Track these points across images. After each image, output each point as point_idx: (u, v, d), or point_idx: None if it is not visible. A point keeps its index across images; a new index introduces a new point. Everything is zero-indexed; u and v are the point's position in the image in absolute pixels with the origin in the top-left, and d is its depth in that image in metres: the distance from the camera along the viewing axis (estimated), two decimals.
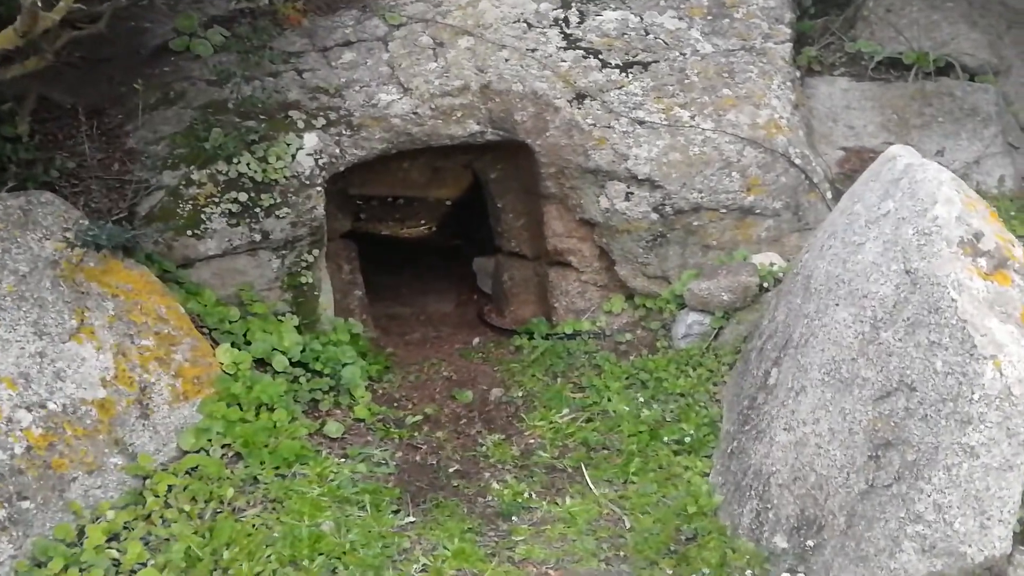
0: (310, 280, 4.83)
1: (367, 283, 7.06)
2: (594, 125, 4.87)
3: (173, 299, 4.02)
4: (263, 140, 4.50)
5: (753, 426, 3.38)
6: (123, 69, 5.11)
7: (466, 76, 4.92)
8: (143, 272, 3.95)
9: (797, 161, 4.96)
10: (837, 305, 3.00)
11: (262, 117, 4.64)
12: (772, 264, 4.74)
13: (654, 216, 4.85)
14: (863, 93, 5.98)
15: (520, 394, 4.67)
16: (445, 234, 9.86)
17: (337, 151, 4.71)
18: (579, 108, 4.91)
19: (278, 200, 4.48)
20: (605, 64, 5.13)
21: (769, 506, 3.02)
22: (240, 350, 4.33)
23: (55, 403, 3.19)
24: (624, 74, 5.11)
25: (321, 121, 4.70)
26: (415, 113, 4.84)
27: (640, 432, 4.03)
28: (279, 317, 4.72)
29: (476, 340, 5.62)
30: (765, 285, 4.61)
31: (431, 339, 5.80)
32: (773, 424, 3.17)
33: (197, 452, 3.68)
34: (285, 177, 4.48)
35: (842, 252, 3.14)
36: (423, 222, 10.63)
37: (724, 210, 4.87)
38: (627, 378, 4.60)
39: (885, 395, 2.65)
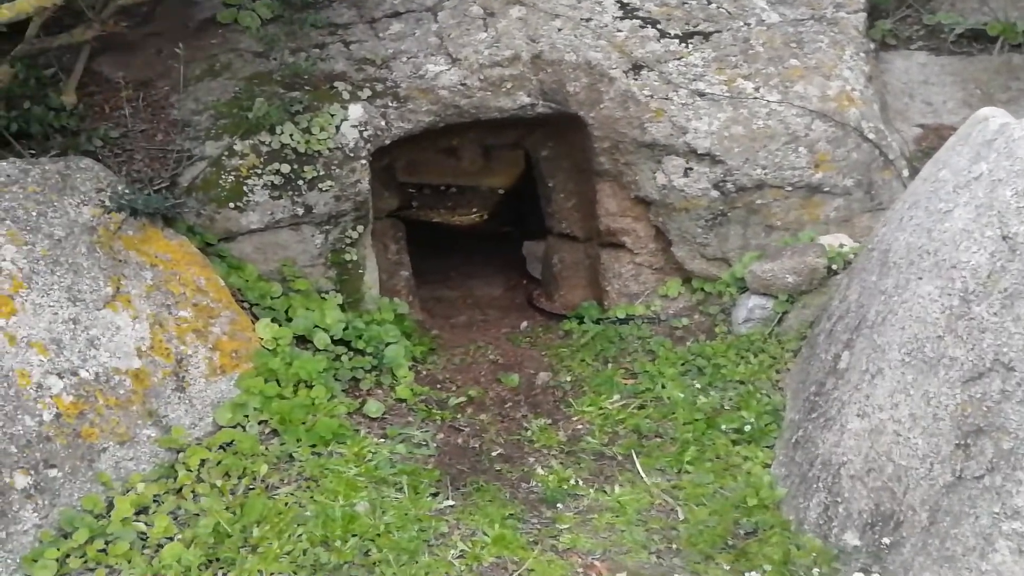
0: (354, 257, 4.69)
1: (414, 266, 6.94)
2: (651, 96, 4.61)
3: (213, 271, 3.91)
4: (307, 111, 4.37)
5: (821, 413, 3.10)
6: (171, 41, 5.04)
7: (517, 46, 4.71)
8: (183, 242, 3.85)
9: (871, 136, 4.62)
10: (920, 279, 2.71)
11: (307, 88, 4.52)
12: (842, 245, 4.42)
13: (714, 193, 4.58)
14: (942, 68, 5.57)
15: (568, 379, 4.45)
16: (496, 222, 9.70)
17: (383, 123, 4.56)
18: (635, 79, 4.66)
19: (321, 172, 4.35)
20: (664, 34, 4.87)
21: (839, 500, 2.75)
22: (281, 326, 4.22)
23: (87, 371, 3.09)
24: (684, 44, 4.84)
25: (367, 92, 4.55)
26: (463, 84, 4.65)
27: (696, 420, 3.77)
28: (322, 294, 4.60)
29: (524, 324, 5.42)
30: (833, 267, 4.29)
31: (478, 322, 5.62)
32: (844, 411, 2.89)
33: (233, 427, 3.57)
34: (329, 149, 4.34)
35: (926, 221, 2.84)
36: (475, 210, 10.49)
37: (790, 188, 4.57)
38: (683, 364, 4.34)
39: (977, 376, 2.35)
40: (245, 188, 4.25)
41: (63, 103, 4.34)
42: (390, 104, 4.59)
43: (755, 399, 3.84)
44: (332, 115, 4.37)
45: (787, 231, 4.66)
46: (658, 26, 4.91)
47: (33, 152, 3.91)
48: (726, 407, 3.87)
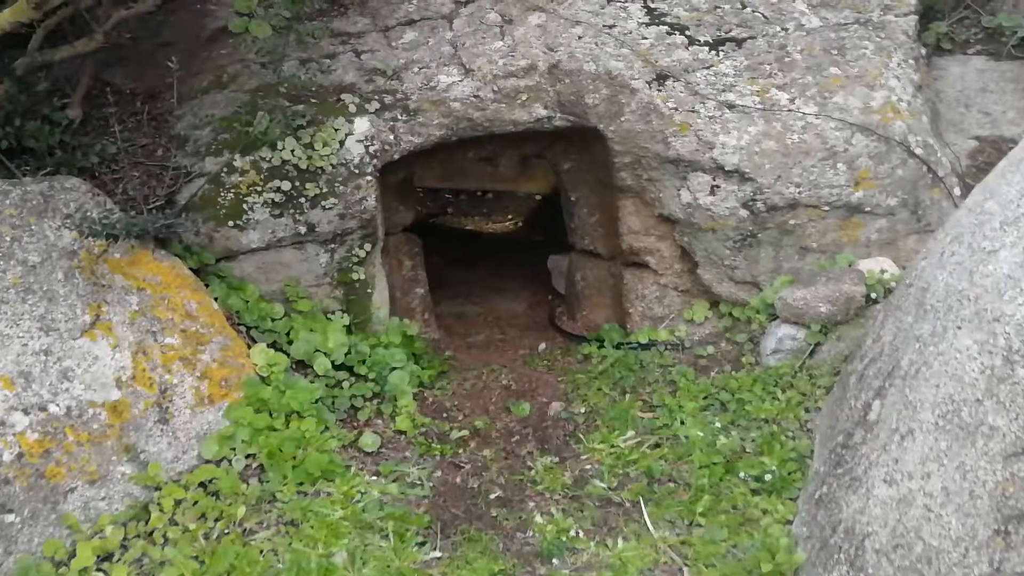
0: (362, 277, 4.50)
1: (438, 278, 6.73)
2: (676, 109, 4.30)
3: (205, 294, 3.75)
4: (311, 125, 4.18)
5: (847, 470, 2.77)
6: (182, 52, 4.92)
7: (533, 55, 4.45)
8: (174, 264, 3.70)
9: (918, 151, 4.23)
10: (959, 328, 2.37)
11: (313, 101, 4.34)
12: (883, 271, 4.05)
13: (743, 213, 4.24)
14: (1003, 74, 5.13)
15: (582, 410, 4.18)
16: (530, 230, 9.45)
17: (391, 137, 4.34)
18: (659, 90, 4.35)
19: (324, 190, 4.16)
20: (692, 41, 4.55)
21: (862, 575, 2.43)
22: (278, 350, 4.05)
23: (58, 405, 2.95)
24: (714, 52, 4.51)
25: (375, 105, 4.35)
26: (476, 96, 4.41)
27: (714, 464, 3.47)
28: (328, 315, 4.42)
29: (543, 346, 5.16)
30: (873, 296, 3.93)
31: (496, 342, 5.38)
32: (872, 472, 2.57)
33: (218, 462, 3.40)
34: (332, 165, 4.15)
35: (968, 261, 2.49)
36: (510, 217, 10.27)
37: (826, 207, 4.21)
38: (705, 398, 4.03)
39: (1020, 452, 2.02)
40: (245, 206, 4.08)
41: (67, 117, 4.24)
42: (399, 117, 4.37)
43: (779, 442, 3.51)
44: (336, 129, 4.18)
45: (823, 254, 4.30)
46: (687, 32, 4.60)
47: (28, 169, 3.80)
48: (748, 449, 3.56)
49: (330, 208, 4.18)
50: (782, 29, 4.62)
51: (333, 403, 3.93)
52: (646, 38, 4.54)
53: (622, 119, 4.37)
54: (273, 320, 4.19)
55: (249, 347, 3.90)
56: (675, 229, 4.52)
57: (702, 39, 4.58)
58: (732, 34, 4.62)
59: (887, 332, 2.97)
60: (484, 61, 4.46)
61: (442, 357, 4.87)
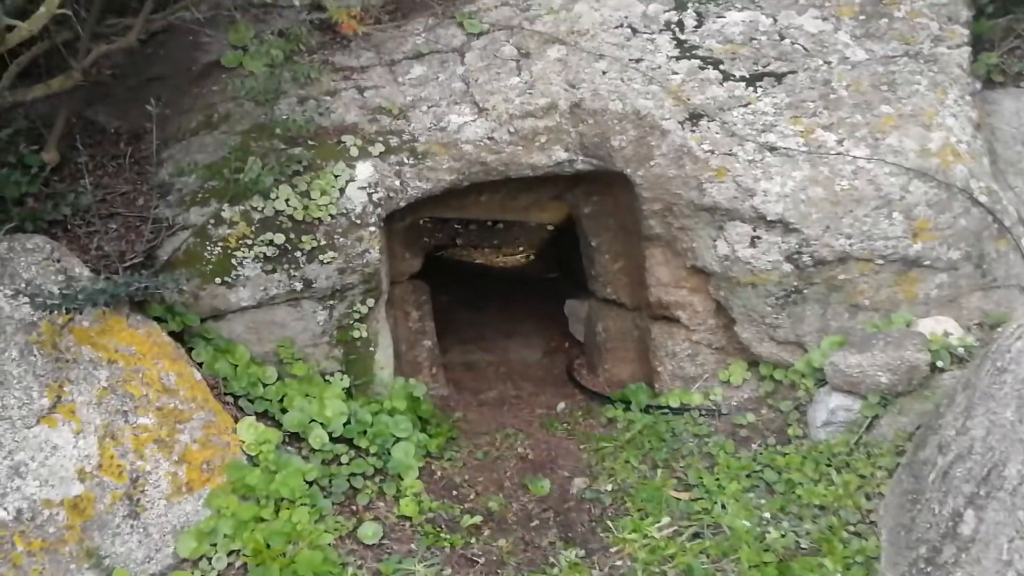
0: (364, 335, 4.08)
1: (447, 320, 6.31)
2: (711, 152, 3.89)
3: (186, 363, 3.34)
4: (308, 170, 3.78)
5: None
6: (171, 88, 4.56)
7: (553, 93, 4.05)
8: (151, 330, 3.29)
9: (982, 198, 3.80)
10: None
11: (311, 143, 3.94)
12: (947, 334, 3.62)
13: (787, 267, 3.81)
14: None
15: (609, 488, 3.73)
16: (543, 263, 9.04)
17: (396, 183, 3.94)
18: (693, 131, 3.94)
19: (322, 242, 3.75)
20: (727, 76, 4.15)
21: None
22: (271, 421, 3.63)
23: (6, 509, 2.53)
24: (752, 88, 4.10)
25: (379, 148, 3.95)
26: (490, 138, 4.01)
27: (765, 564, 3.02)
28: (327, 377, 4.00)
29: (561, 405, 4.72)
30: (939, 364, 3.49)
31: (510, 399, 4.94)
32: None
33: (197, 561, 2.96)
34: (331, 215, 3.74)
35: None
36: (521, 249, 9.87)
37: (881, 261, 3.77)
38: (748, 476, 3.59)
39: None
40: (234, 261, 3.67)
41: (42, 160, 3.85)
42: (406, 161, 3.97)
43: (840, 538, 3.06)
44: (336, 176, 3.78)
45: (876, 312, 3.86)
46: (721, 67, 4.19)
47: None
48: (803, 546, 3.11)
49: (329, 262, 3.77)
50: (824, 63, 4.21)
51: (330, 483, 3.50)
52: (676, 73, 4.14)
53: (651, 163, 3.96)
54: (265, 386, 3.77)
55: (236, 421, 3.47)
56: (710, 282, 4.10)
57: (738, 74, 4.17)
58: (770, 68, 4.21)
59: (977, 426, 2.52)
60: (499, 99, 4.06)
61: (451, 420, 4.44)
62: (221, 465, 3.20)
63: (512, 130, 4.00)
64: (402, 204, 3.99)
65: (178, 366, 3.29)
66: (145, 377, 3.12)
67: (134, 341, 3.18)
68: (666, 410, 4.21)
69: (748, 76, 4.17)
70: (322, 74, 4.30)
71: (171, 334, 3.55)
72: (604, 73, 4.12)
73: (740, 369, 4.18)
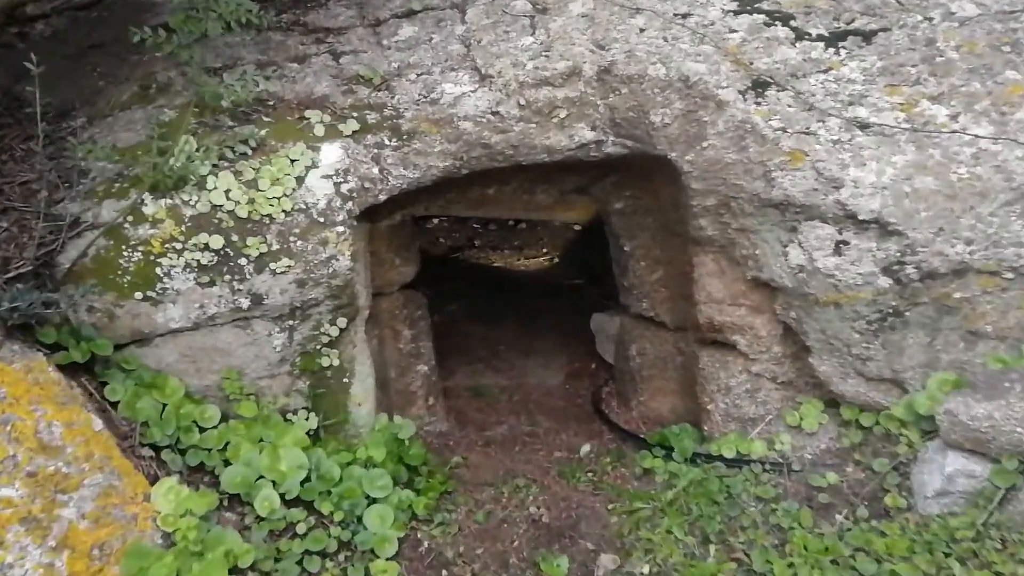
0: (335, 362, 3.23)
1: (454, 335, 5.46)
2: (783, 130, 2.97)
3: (81, 409, 2.50)
4: (258, 153, 2.93)
5: None
6: (112, 56, 3.75)
7: (576, 55, 3.16)
8: (32, 364, 2.46)
9: None
10: None
11: (267, 119, 3.09)
12: None
13: (884, 281, 2.88)
14: None
15: (646, 570, 2.84)
16: (567, 266, 8.16)
17: (374, 171, 3.08)
18: (758, 103, 3.02)
19: (274, 247, 2.89)
20: (801, 35, 3.23)
21: None
22: (205, 484, 2.79)
23: None
24: (833, 50, 3.18)
25: (352, 125, 3.08)
26: (495, 113, 3.12)
27: None
28: (288, 417, 3.16)
29: (586, 448, 3.82)
30: None
31: (522, 437, 4.05)
32: None
33: None
34: (285, 212, 2.89)
35: None
36: (544, 251, 8.99)
37: (1010, 274, 2.83)
38: (834, 563, 2.67)
39: None
40: (159, 270, 2.83)
41: None
42: (386, 142, 3.11)
43: None
44: (293, 160, 2.92)
45: (1002, 341, 2.92)
46: (792, 23, 3.27)
47: None
48: None
49: (283, 272, 2.91)
50: (925, 19, 3.27)
51: (276, 566, 2.64)
52: (735, 31, 3.23)
53: (704, 144, 3.04)
54: (203, 431, 2.93)
55: (155, 482, 2.63)
56: (776, 300, 3.18)
57: (814, 32, 3.25)
58: (856, 25, 3.28)
59: None
60: (507, 64, 3.17)
61: (448, 467, 3.56)
62: (122, 548, 2.36)
63: (523, 102, 3.11)
64: (381, 197, 3.12)
65: (68, 412, 2.45)
66: (15, 431, 2.29)
67: (4, 381, 2.34)
68: (718, 461, 3.30)
69: (828, 35, 3.25)
70: (289, 36, 3.46)
71: (73, 367, 2.73)
72: (642, 31, 3.22)
73: (815, 411, 3.25)
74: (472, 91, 3.15)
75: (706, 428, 3.54)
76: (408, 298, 4.00)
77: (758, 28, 3.24)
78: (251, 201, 2.84)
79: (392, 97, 3.20)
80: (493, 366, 5.17)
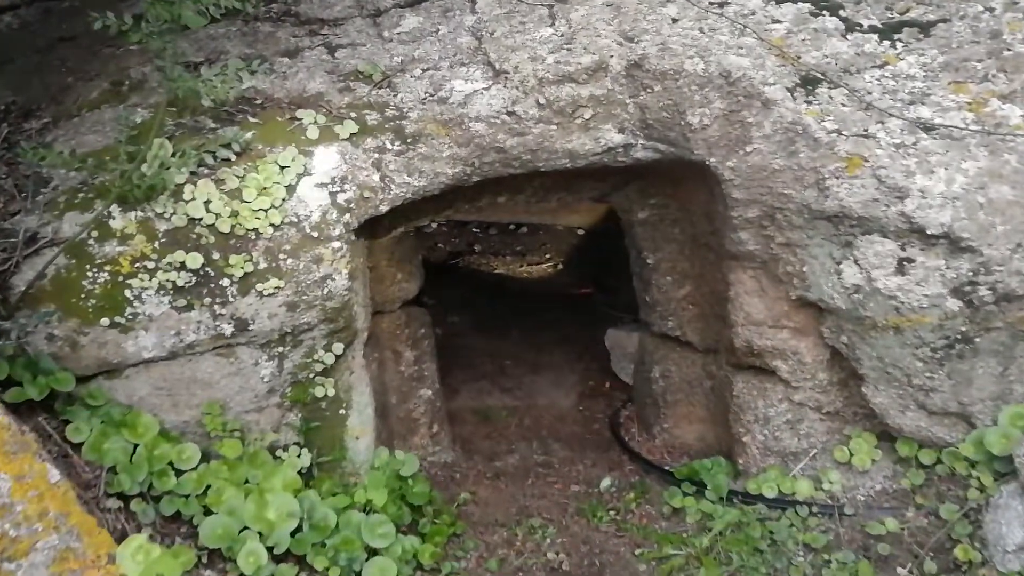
0: (330, 392, 2.88)
1: (457, 348, 5.12)
2: (838, 133, 2.63)
3: (33, 458, 2.15)
4: (242, 159, 2.58)
5: None
6: (83, 50, 3.40)
7: (602, 48, 2.81)
8: None
9: None
10: None
11: (253, 120, 2.74)
12: None
13: (953, 304, 2.54)
14: None
15: None
16: (573, 274, 7.82)
17: (375, 178, 2.72)
18: (808, 102, 2.68)
19: (261, 265, 2.54)
20: (851, 26, 2.89)
21: None
22: (181, 537, 2.43)
23: None
24: (888, 42, 2.85)
25: (350, 127, 2.73)
26: (511, 113, 2.78)
27: None
28: (278, 454, 2.80)
29: (606, 481, 3.47)
30: None
31: (535, 468, 3.71)
32: None
33: None
34: (273, 225, 2.53)
35: None
36: (548, 256, 8.64)
37: None
38: None
39: None
40: (129, 293, 2.48)
41: None
42: (389, 146, 2.76)
43: None
44: (282, 167, 2.57)
45: None
46: (841, 13, 2.94)
47: None
48: None
49: (271, 294, 2.56)
50: (986, 9, 2.94)
51: None
52: (779, 21, 2.89)
53: (748, 149, 2.70)
54: (180, 474, 2.58)
55: (123, 539, 2.28)
56: (824, 321, 2.84)
57: (866, 23, 2.92)
58: (911, 15, 2.95)
59: None
60: (524, 58, 2.82)
61: (455, 504, 3.22)
62: None
63: (542, 101, 2.76)
64: (383, 208, 2.77)
65: (18, 463, 2.10)
66: None
67: None
68: (758, 501, 2.96)
69: (881, 26, 2.91)
70: (280, 27, 3.11)
71: (29, 405, 2.37)
72: (674, 21, 2.87)
73: (867, 445, 2.91)
74: (485, 88, 2.80)
75: (741, 462, 3.20)
76: (410, 316, 3.65)
77: (804, 18, 2.91)
78: (234, 214, 2.48)
79: (395, 95, 2.85)
80: (500, 384, 4.82)
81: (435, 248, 8.74)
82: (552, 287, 7.54)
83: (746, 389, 3.17)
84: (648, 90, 2.75)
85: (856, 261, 2.65)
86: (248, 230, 2.50)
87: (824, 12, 2.93)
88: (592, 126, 2.79)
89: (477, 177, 2.86)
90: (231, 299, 2.54)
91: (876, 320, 2.66)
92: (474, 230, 9.28)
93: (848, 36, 2.86)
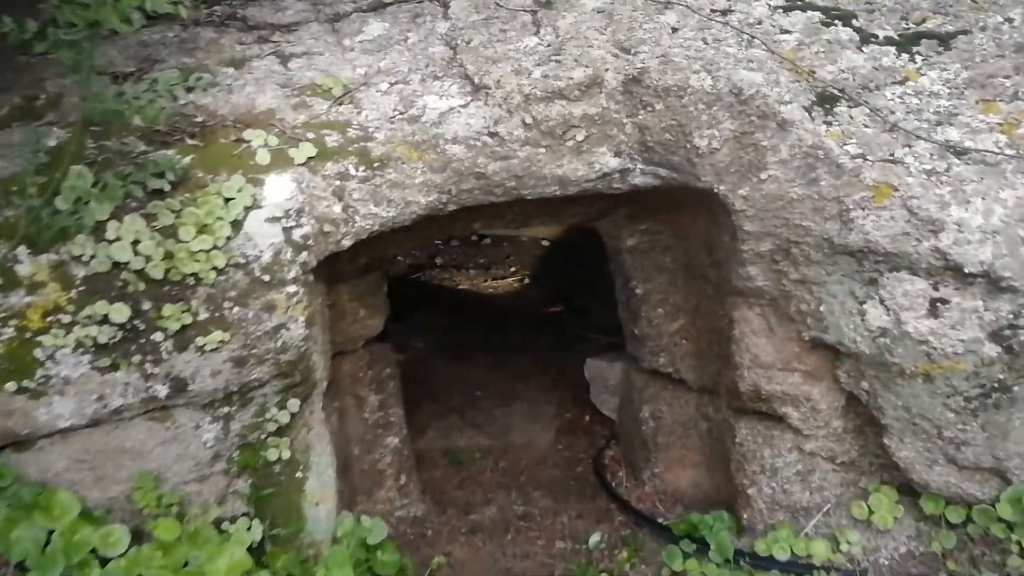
0: (284, 454, 2.50)
1: (421, 379, 4.75)
2: (863, 158, 2.34)
3: None
4: (179, 190, 2.18)
5: None
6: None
7: (595, 60, 2.48)
8: None
9: None
10: None
11: (192, 143, 2.34)
12: None
13: (991, 349, 2.27)
14: None
15: None
16: (540, 289, 7.50)
17: (336, 210, 2.35)
18: (827, 122, 2.39)
19: (201, 316, 2.15)
20: (866, 37, 2.62)
21: None
22: None
23: None
24: (906, 56, 2.58)
25: (307, 150, 2.35)
26: (493, 133, 2.43)
27: None
28: (223, 526, 2.41)
29: (595, 537, 3.15)
30: None
31: (515, 522, 3.36)
32: None
33: None
34: (216, 269, 2.14)
35: None
36: (513, 269, 8.30)
37: None
38: None
39: None
40: (40, 352, 2.06)
41: None
42: (352, 171, 2.38)
43: None
44: (228, 199, 2.18)
45: None
46: (854, 23, 2.66)
47: None
48: None
49: (215, 349, 2.17)
50: (1005, 20, 2.70)
51: None
52: (788, 31, 2.60)
53: (763, 176, 2.39)
54: (104, 563, 2.17)
55: None
56: (842, 365, 2.55)
57: (881, 34, 2.64)
58: (928, 26, 2.69)
59: None
60: (507, 71, 2.48)
61: (428, 571, 2.85)
62: None
63: (529, 120, 2.42)
64: (345, 243, 2.40)
65: None
66: None
67: None
68: (769, 566, 2.66)
69: (897, 37, 2.64)
70: (224, 33, 2.72)
71: None
72: (674, 31, 2.56)
73: (887, 501, 2.63)
74: (463, 106, 2.44)
75: (745, 516, 2.90)
76: (374, 355, 3.27)
77: (815, 28, 2.62)
78: (168, 256, 2.09)
79: (358, 113, 2.48)
80: (470, 419, 4.46)
81: (394, 261, 8.33)
82: (519, 303, 7.20)
83: (750, 436, 2.87)
84: (649, 108, 2.43)
85: (882, 301, 2.37)
86: (185, 275, 2.10)
87: (836, 22, 2.65)
88: (585, 149, 2.45)
89: (454, 206, 2.51)
90: (165, 356, 2.14)
91: (904, 367, 2.38)
92: (435, 242, 8.91)
93: (864, 48, 2.59)
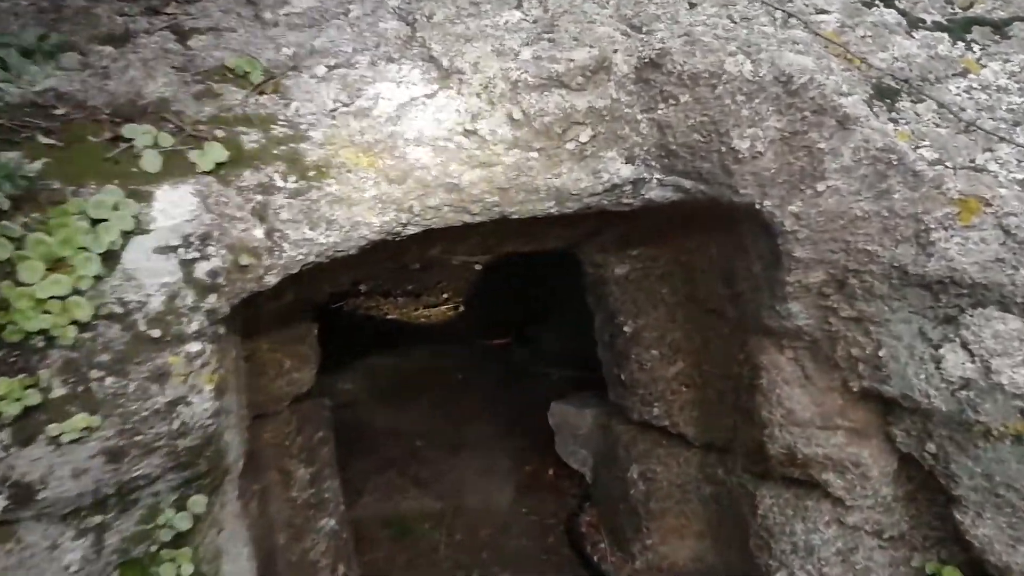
0: (187, 569, 1.81)
1: (353, 429, 4.08)
2: (941, 164, 1.85)
3: None
4: (25, 207, 1.49)
5: None
6: None
7: (600, 38, 1.91)
8: None
9: None
10: None
11: (46, 141, 1.65)
12: None
13: None
14: None
15: None
16: (476, 318, 6.91)
17: (257, 233, 1.70)
18: (893, 120, 1.89)
19: (55, 392, 1.45)
20: (913, 21, 2.16)
21: None
22: None
23: None
24: (962, 44, 2.14)
25: (215, 153, 1.69)
26: (470, 132, 1.83)
27: None
28: None
29: None
30: None
31: None
32: None
33: None
34: (78, 323, 1.46)
35: None
36: (445, 296, 7.66)
37: None
38: None
39: None
40: None
41: None
42: (279, 182, 1.74)
43: None
44: (97, 222, 1.50)
45: None
46: (897, 4, 2.20)
47: None
48: None
49: (76, 440, 1.48)
50: None
51: None
52: (825, 11, 2.11)
53: (819, 187, 1.87)
54: None
55: None
56: (899, 422, 2.05)
57: (928, 18, 2.19)
58: (977, 11, 2.26)
59: None
60: (486, 52, 1.88)
61: None
62: None
63: (517, 115, 1.83)
64: (271, 280, 1.75)
65: None
66: None
67: None
68: None
69: (946, 23, 2.20)
70: (98, 2, 2.04)
71: None
72: (692, 5, 2.03)
73: None
74: (428, 96, 1.83)
75: None
76: (304, 417, 2.60)
77: (856, 9, 2.14)
78: (3, 306, 1.39)
79: (286, 105, 1.84)
80: (413, 475, 3.81)
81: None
82: (457, 334, 6.57)
83: (777, 507, 2.35)
84: (671, 101, 1.88)
85: (965, 345, 1.88)
86: (29, 334, 1.41)
87: (878, 2, 2.18)
88: (590, 153, 1.88)
89: (416, 228, 1.89)
90: (2, 453, 1.44)
91: (990, 426, 1.89)
92: (381, 271, 8.18)
93: (914, 33, 2.12)
